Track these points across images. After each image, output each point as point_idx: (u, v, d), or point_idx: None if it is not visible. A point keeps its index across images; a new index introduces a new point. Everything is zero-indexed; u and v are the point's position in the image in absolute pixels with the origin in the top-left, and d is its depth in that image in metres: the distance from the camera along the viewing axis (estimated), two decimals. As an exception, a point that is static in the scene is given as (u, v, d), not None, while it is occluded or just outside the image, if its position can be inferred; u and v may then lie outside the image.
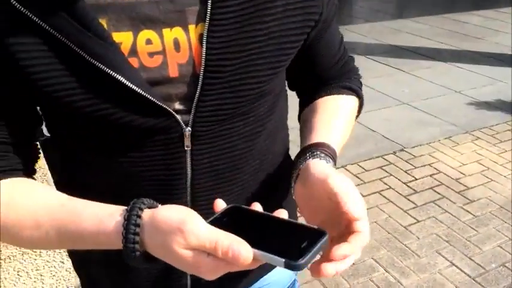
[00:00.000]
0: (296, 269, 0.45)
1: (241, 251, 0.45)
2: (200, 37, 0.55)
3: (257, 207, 0.53)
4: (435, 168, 2.93)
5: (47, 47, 0.51)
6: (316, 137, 0.64)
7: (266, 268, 0.76)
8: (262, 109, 0.63)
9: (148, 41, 0.54)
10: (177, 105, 0.57)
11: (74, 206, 0.53)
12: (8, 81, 0.53)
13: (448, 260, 2.23)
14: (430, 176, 2.86)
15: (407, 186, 2.77)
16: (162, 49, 0.55)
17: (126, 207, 0.50)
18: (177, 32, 0.55)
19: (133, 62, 0.54)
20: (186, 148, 0.59)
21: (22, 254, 1.41)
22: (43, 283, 1.48)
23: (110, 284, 0.72)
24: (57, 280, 1.51)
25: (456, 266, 2.20)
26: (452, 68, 4.58)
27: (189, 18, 0.55)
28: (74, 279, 1.58)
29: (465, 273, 2.16)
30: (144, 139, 0.58)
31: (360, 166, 2.93)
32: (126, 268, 0.66)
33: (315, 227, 0.49)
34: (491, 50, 5.02)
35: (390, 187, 2.74)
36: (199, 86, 0.56)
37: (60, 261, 1.49)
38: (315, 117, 0.69)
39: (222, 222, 0.50)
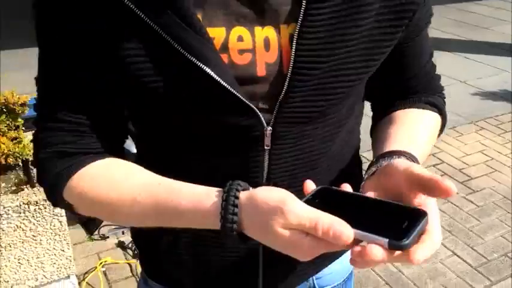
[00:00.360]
0: (400, 249, 0.43)
1: (342, 230, 0.44)
2: (291, 38, 0.55)
3: (347, 188, 0.52)
4: (438, 159, 2.91)
5: (143, 38, 0.52)
6: (397, 146, 0.60)
7: (331, 257, 0.77)
8: (343, 110, 0.62)
9: (240, 38, 0.55)
10: (260, 104, 0.57)
11: (170, 186, 0.55)
12: (105, 67, 0.55)
13: (450, 250, 2.22)
14: (434, 166, 2.85)
15: (410, 176, 2.76)
16: (253, 47, 0.55)
17: (222, 189, 0.51)
18: (268, 31, 0.55)
19: (224, 58, 0.54)
20: (265, 147, 0.59)
21: (22, 242, 1.41)
22: (44, 271, 1.49)
23: (180, 266, 0.72)
24: (57, 268, 1.51)
25: (458, 256, 2.19)
26: (457, 58, 4.53)
27: (281, 18, 0.55)
28: (75, 267, 1.59)
29: (467, 262, 2.16)
30: (225, 135, 0.58)
31: (363, 156, 2.91)
32: (199, 250, 0.67)
33: (414, 206, 0.47)
34: (497, 40, 4.97)
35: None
36: (285, 87, 0.55)
37: (61, 250, 1.49)
38: (394, 128, 0.66)
39: (314, 203, 0.48)
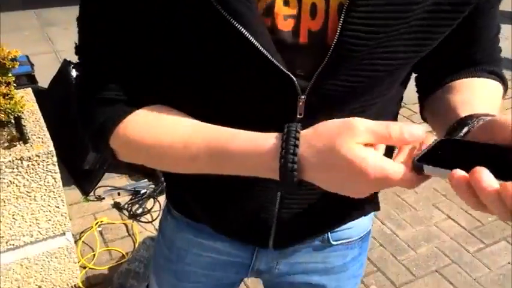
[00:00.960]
0: None
1: (412, 126, 0.44)
2: (340, 7, 0.52)
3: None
4: (436, 125, 2.90)
5: None
6: (479, 110, 0.54)
7: (350, 214, 0.77)
8: (385, 83, 0.59)
9: (286, 3, 0.52)
10: (298, 71, 0.55)
11: (223, 129, 0.55)
12: (146, 19, 0.55)
13: (445, 214, 2.24)
14: (430, 132, 2.83)
15: (407, 142, 2.75)
16: (297, 13, 0.53)
17: (281, 133, 0.50)
18: None
19: (267, 21, 0.52)
20: (298, 116, 0.57)
21: (16, 198, 1.40)
22: (39, 227, 1.49)
23: (198, 203, 0.73)
24: (52, 224, 1.51)
25: (452, 219, 2.21)
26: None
27: None
28: (71, 226, 1.58)
29: (461, 226, 2.18)
30: (258, 100, 0.57)
31: (409, 108, 2.86)
32: (218, 193, 0.69)
33: None
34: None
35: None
36: (326, 59, 0.52)
37: (56, 206, 1.48)
38: (464, 95, 0.61)
39: (435, 156, 0.44)
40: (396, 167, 0.44)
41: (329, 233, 0.77)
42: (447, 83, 0.66)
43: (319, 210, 0.70)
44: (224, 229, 0.74)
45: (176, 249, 0.81)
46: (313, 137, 0.48)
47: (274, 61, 0.52)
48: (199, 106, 0.62)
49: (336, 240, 0.78)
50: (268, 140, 0.50)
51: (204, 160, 0.55)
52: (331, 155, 0.46)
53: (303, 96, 0.55)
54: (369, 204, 0.78)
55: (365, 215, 0.79)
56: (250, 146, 0.51)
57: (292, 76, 0.54)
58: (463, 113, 0.55)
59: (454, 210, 2.26)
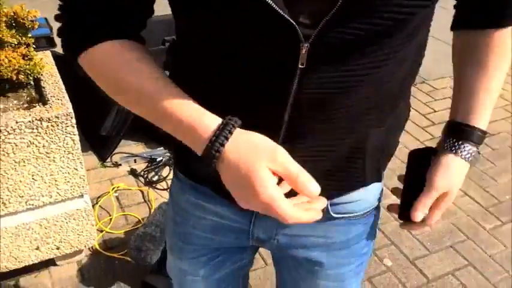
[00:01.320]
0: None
1: (312, 183, 0.52)
2: None
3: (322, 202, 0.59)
4: (456, 102, 2.85)
5: None
6: (474, 113, 0.71)
7: (350, 183, 0.73)
8: (399, 36, 0.55)
9: None
10: (302, 18, 0.51)
11: (179, 93, 0.57)
12: None
13: (462, 191, 2.21)
14: (450, 108, 2.79)
15: (426, 118, 2.71)
16: None
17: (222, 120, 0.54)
18: None
19: None
20: (300, 66, 0.53)
21: (36, 159, 1.41)
22: (58, 188, 1.50)
23: (199, 168, 0.75)
24: (71, 186, 1.52)
25: (469, 196, 2.18)
26: None
27: None
28: (88, 187, 1.59)
29: (478, 203, 2.15)
30: (259, 46, 0.53)
31: (428, 84, 2.86)
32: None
33: None
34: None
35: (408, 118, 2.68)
36: (337, 5, 0.49)
37: (74, 168, 1.49)
38: (477, 76, 0.71)
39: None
40: (283, 204, 0.52)
41: (329, 204, 0.73)
42: (481, 28, 0.69)
43: (314, 175, 0.68)
44: (223, 191, 0.72)
45: (181, 211, 0.81)
46: (245, 136, 0.53)
47: (275, 6, 0.49)
48: (199, 52, 0.60)
49: (337, 213, 0.75)
50: (209, 122, 0.54)
51: (147, 110, 0.58)
52: (245, 161, 0.52)
53: (306, 44, 0.51)
54: (371, 173, 0.73)
55: (365, 185, 0.73)
56: (193, 119, 0.54)
57: (294, 22, 0.50)
58: (463, 114, 0.73)
59: (471, 187, 2.23)
